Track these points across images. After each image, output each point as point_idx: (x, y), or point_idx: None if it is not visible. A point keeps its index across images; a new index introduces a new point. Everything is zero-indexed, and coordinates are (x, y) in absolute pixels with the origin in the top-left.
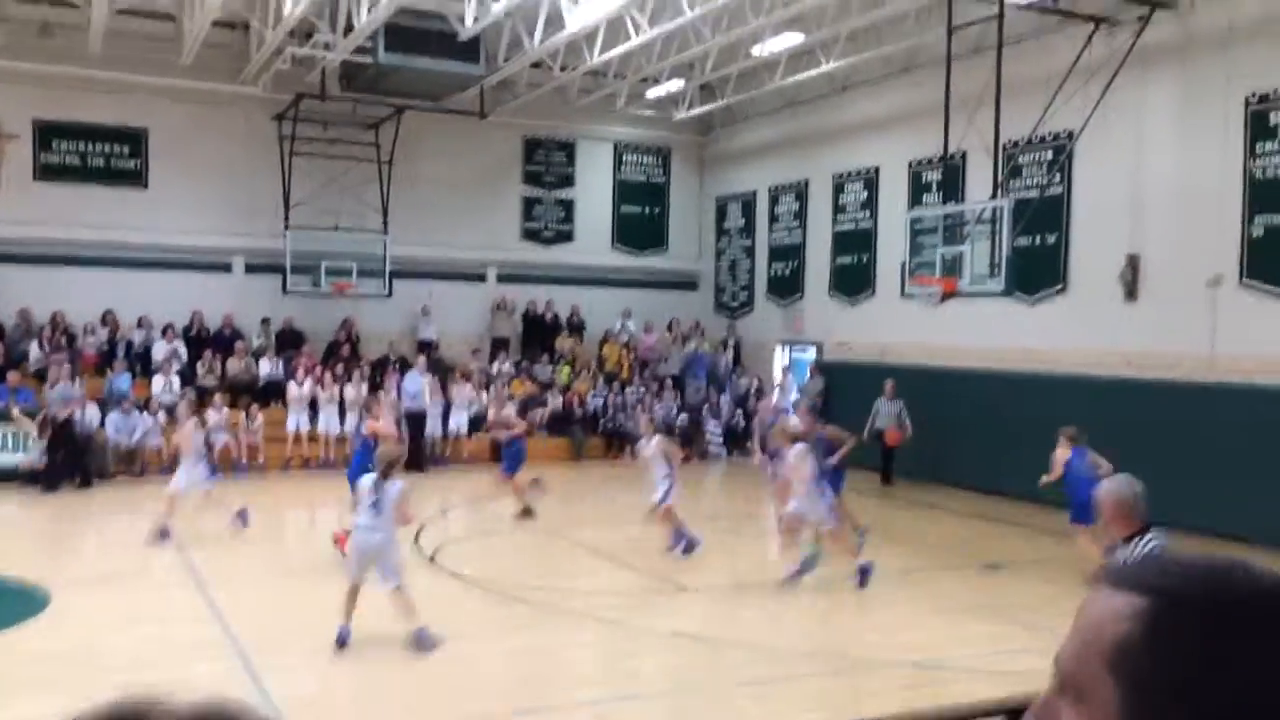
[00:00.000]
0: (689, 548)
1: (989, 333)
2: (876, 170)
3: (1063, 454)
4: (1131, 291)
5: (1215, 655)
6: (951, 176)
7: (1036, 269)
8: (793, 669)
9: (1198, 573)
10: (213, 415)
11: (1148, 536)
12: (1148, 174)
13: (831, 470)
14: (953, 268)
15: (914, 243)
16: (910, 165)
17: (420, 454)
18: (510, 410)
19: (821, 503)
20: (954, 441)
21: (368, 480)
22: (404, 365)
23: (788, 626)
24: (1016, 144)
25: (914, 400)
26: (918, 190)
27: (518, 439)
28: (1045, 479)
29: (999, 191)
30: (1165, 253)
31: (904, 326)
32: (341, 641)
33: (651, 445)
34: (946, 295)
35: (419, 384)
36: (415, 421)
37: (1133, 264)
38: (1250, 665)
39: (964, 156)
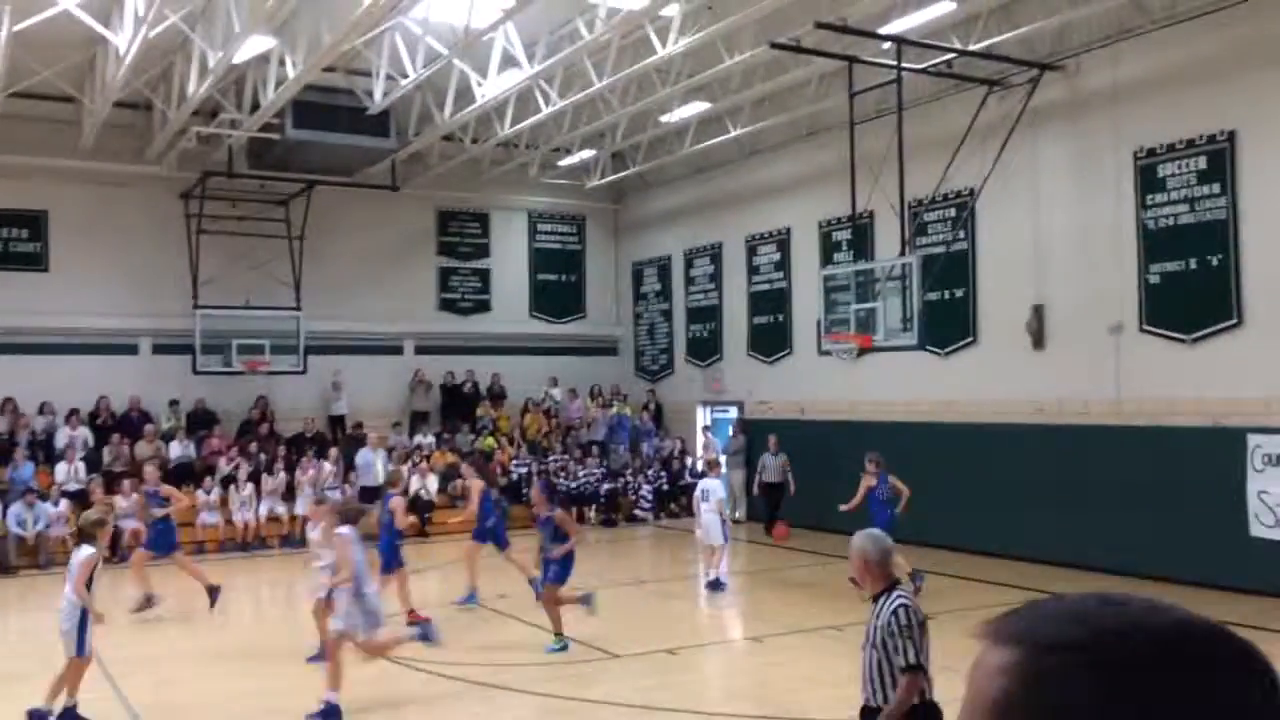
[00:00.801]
0: (425, 636)
1: (905, 386)
2: (788, 231)
3: (869, 481)
4: (1039, 340)
5: (1093, 698)
6: (861, 235)
7: (947, 322)
8: None
9: (1067, 614)
10: (121, 501)
11: (894, 594)
12: (1047, 227)
13: (559, 561)
14: (867, 324)
15: (828, 300)
16: (820, 225)
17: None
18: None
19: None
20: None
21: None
22: (320, 442)
23: (727, 688)
24: (921, 202)
25: (835, 455)
26: (829, 249)
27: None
28: (845, 506)
29: (907, 248)
30: (1069, 302)
31: (822, 383)
32: None
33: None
34: (862, 351)
35: (369, 459)
36: (371, 497)
37: (1038, 314)
38: (1133, 702)
39: (872, 215)
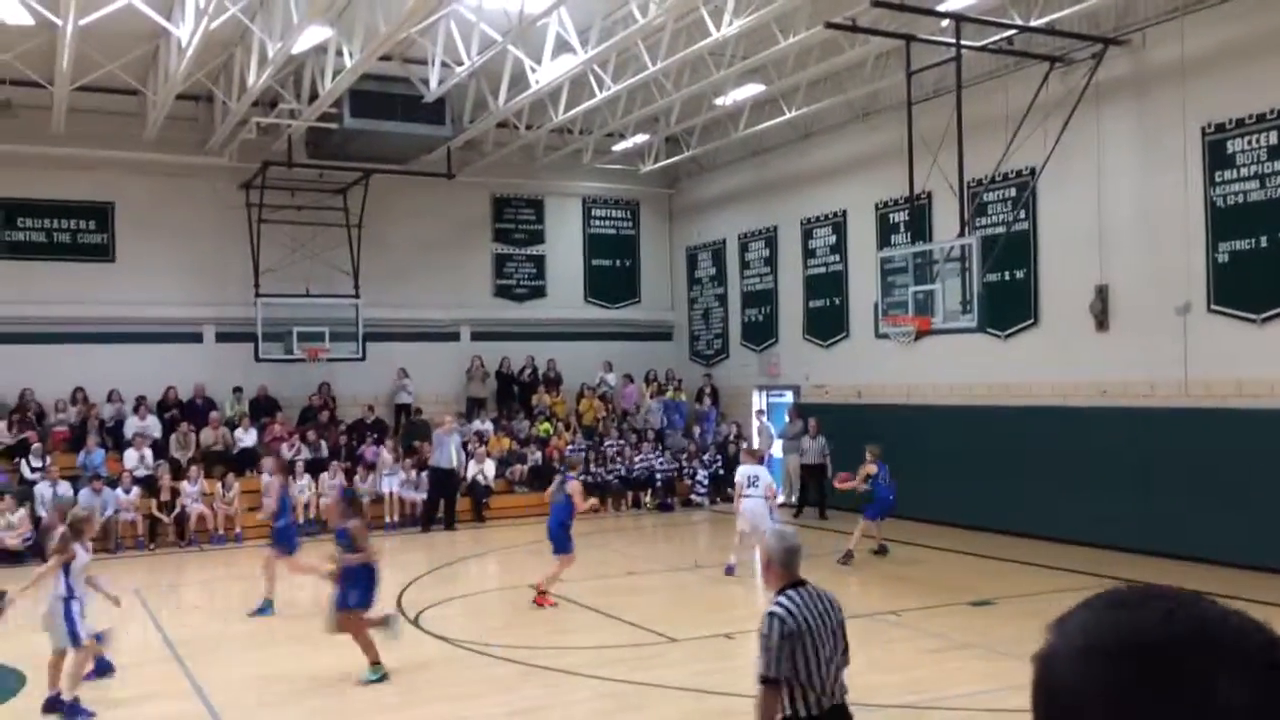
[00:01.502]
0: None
1: (964, 369)
2: (844, 213)
3: (871, 468)
4: (1102, 322)
5: (1087, 684)
6: (918, 216)
7: (1008, 304)
8: None
9: (1090, 610)
10: (187, 487)
11: (778, 598)
12: (1111, 206)
13: (358, 585)
14: (925, 306)
15: (885, 283)
16: (877, 207)
17: (451, 513)
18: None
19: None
20: (934, 478)
21: None
22: (380, 429)
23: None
24: (981, 182)
25: (893, 438)
26: (886, 231)
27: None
28: (845, 486)
29: (966, 229)
30: (1133, 282)
31: (879, 366)
32: None
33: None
34: (920, 334)
35: (444, 441)
36: (445, 479)
37: (1102, 295)
38: (1121, 690)
39: (930, 196)
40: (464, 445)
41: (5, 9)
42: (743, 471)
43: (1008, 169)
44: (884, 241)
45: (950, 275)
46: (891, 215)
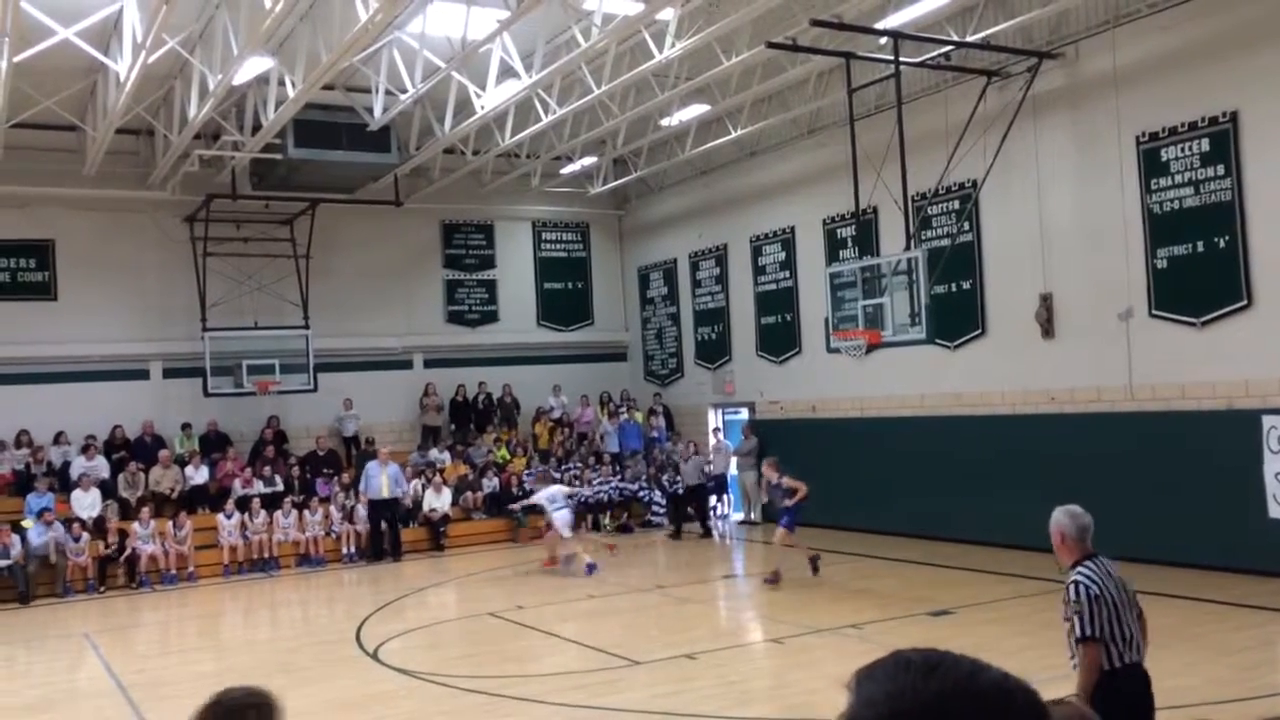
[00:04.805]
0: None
1: (916, 380)
2: (792, 230)
3: (772, 475)
4: (1048, 330)
5: None
6: (865, 231)
7: (956, 315)
8: None
9: (885, 675)
10: (138, 528)
11: (1076, 570)
12: (1052, 216)
13: None
14: (875, 320)
15: (835, 298)
16: (824, 223)
17: (396, 543)
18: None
19: None
20: (890, 490)
21: None
22: (332, 462)
23: (747, 690)
24: (924, 195)
25: (848, 452)
26: (834, 246)
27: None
28: (790, 502)
29: (912, 243)
30: (1076, 290)
31: (832, 381)
32: None
33: None
34: (871, 347)
35: (375, 472)
36: (384, 510)
37: (1046, 303)
38: None
39: (875, 211)
40: (411, 475)
41: None
42: (546, 493)
43: (950, 182)
44: (832, 257)
45: (898, 288)
46: (839, 230)
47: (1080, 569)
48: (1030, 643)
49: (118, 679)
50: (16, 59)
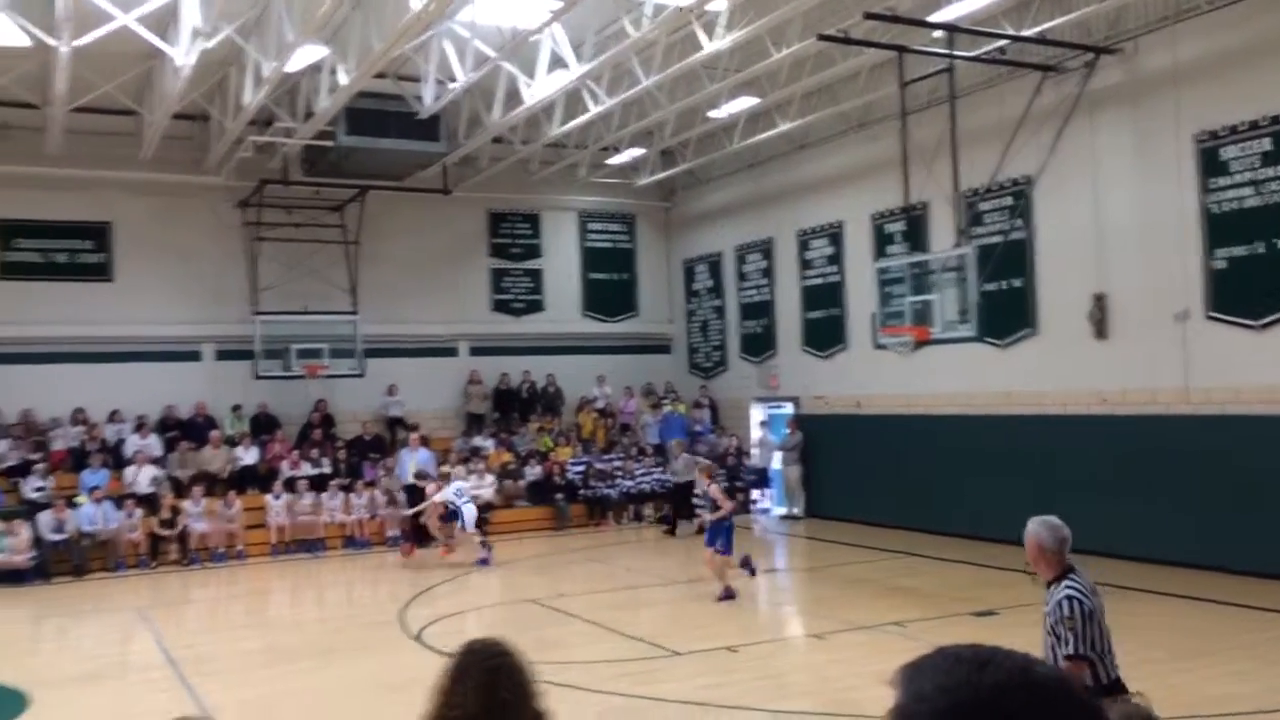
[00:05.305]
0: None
1: (964, 378)
2: (841, 224)
3: (703, 482)
4: (1101, 330)
5: None
6: (915, 226)
7: (1006, 313)
8: None
9: (934, 668)
10: (189, 506)
11: (1064, 582)
12: (1108, 214)
13: None
14: (923, 316)
15: (883, 293)
16: (873, 218)
17: (424, 528)
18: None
19: None
20: (936, 488)
21: None
22: (378, 445)
23: (788, 685)
24: (976, 191)
25: (894, 449)
26: (882, 241)
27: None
28: (711, 517)
29: (962, 239)
30: (1132, 290)
31: (879, 376)
32: None
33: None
34: (919, 343)
35: (404, 459)
36: (416, 496)
37: (1100, 303)
38: None
39: (925, 206)
40: (465, 460)
41: (4, 30)
42: (453, 489)
43: (1004, 178)
44: (880, 252)
45: (948, 285)
46: (887, 225)
47: (1069, 583)
48: None
49: (168, 653)
50: (76, 43)
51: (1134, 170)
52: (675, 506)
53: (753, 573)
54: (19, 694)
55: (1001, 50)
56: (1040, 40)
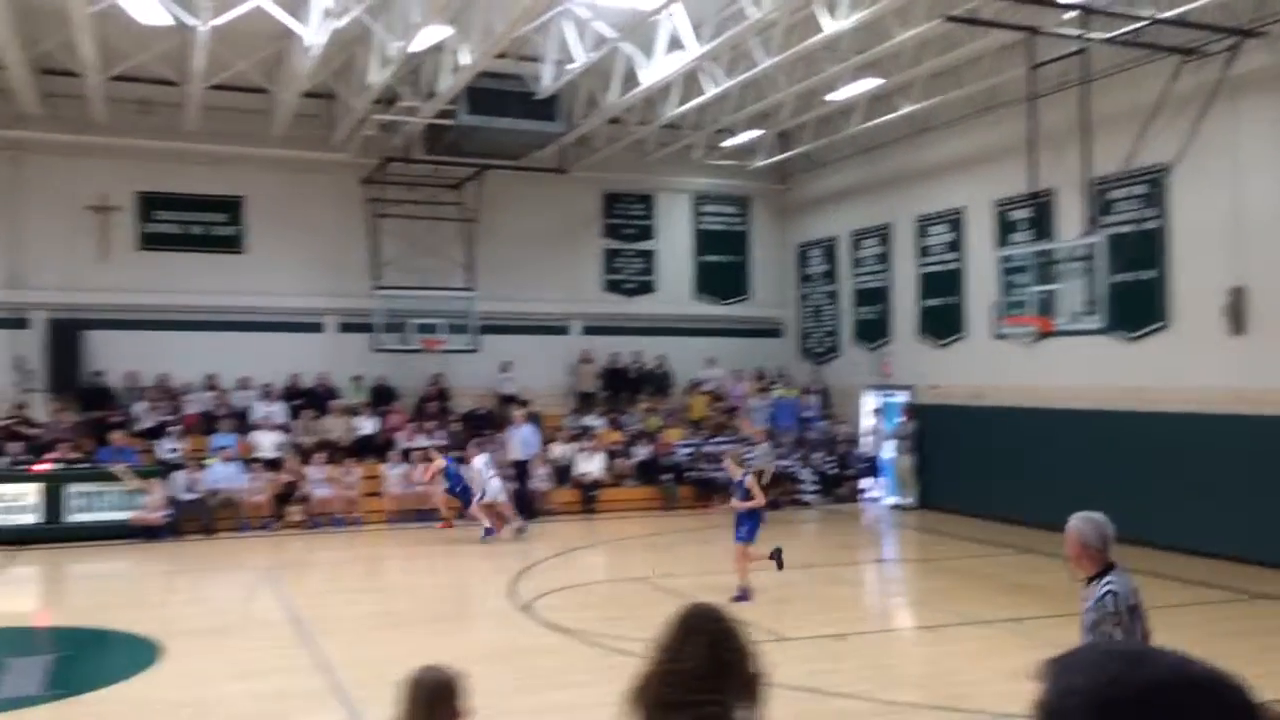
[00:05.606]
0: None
1: (1089, 371)
2: (962, 210)
3: (735, 471)
4: (1239, 325)
5: None
6: (1041, 214)
7: (1136, 305)
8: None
9: (1086, 662)
10: (311, 471)
11: (1106, 579)
12: (1248, 204)
13: None
14: (1047, 306)
15: (1005, 282)
16: (996, 204)
17: (529, 502)
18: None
19: None
20: (1057, 483)
21: None
22: (492, 420)
23: (897, 675)
24: (1107, 179)
25: (1012, 442)
26: (1005, 229)
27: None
28: (743, 506)
29: (1092, 227)
30: (1273, 283)
31: (998, 367)
32: None
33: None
34: (1042, 334)
35: (530, 435)
36: (522, 471)
37: (1238, 296)
38: None
39: (1051, 193)
40: (576, 438)
41: (147, 10)
42: (480, 460)
43: (1137, 165)
44: (1003, 239)
45: (1074, 275)
46: (1011, 212)
47: (1111, 579)
48: (1205, 653)
49: (289, 611)
50: (213, 23)
51: (1278, 159)
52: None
53: (780, 566)
54: (153, 644)
55: (1139, 32)
56: (1179, 23)
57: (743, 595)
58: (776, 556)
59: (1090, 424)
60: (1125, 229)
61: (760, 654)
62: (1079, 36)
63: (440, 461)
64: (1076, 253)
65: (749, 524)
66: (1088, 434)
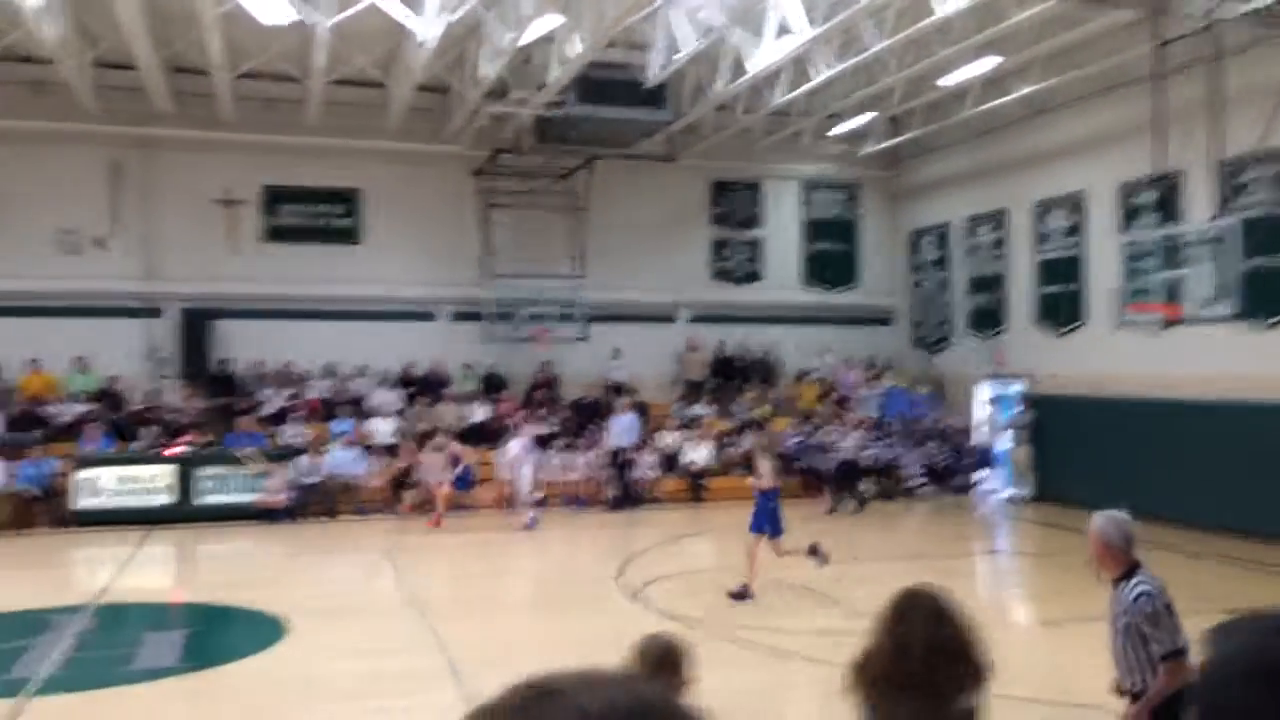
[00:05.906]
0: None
1: (1220, 360)
2: (1082, 194)
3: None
4: None
5: (1245, 702)
6: (1168, 197)
7: (1271, 291)
8: (1014, 714)
9: (1251, 629)
10: (426, 456)
11: (1135, 578)
12: None
13: None
14: (1174, 293)
15: (1129, 268)
16: (1120, 187)
17: (630, 491)
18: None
19: None
20: (1183, 477)
21: None
22: (600, 407)
23: (1012, 671)
24: (1240, 159)
25: (1136, 433)
26: (1130, 213)
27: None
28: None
29: (1224, 210)
30: None
31: (1120, 356)
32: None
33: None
34: (1168, 322)
35: (630, 424)
36: (622, 459)
37: None
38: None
39: (1180, 175)
40: (684, 427)
41: (273, 9)
42: (519, 445)
43: (1272, 145)
44: (1127, 224)
45: (1204, 260)
46: (1136, 196)
47: (1140, 580)
48: None
49: (408, 592)
50: (332, 21)
51: None
52: (836, 483)
53: (821, 562)
54: (278, 621)
55: (1272, 6)
56: None
57: (742, 593)
58: (816, 552)
59: (1220, 415)
60: (1258, 212)
61: (983, 640)
62: (1208, 12)
63: (468, 454)
64: (1206, 237)
65: (762, 513)
66: (1216, 426)
